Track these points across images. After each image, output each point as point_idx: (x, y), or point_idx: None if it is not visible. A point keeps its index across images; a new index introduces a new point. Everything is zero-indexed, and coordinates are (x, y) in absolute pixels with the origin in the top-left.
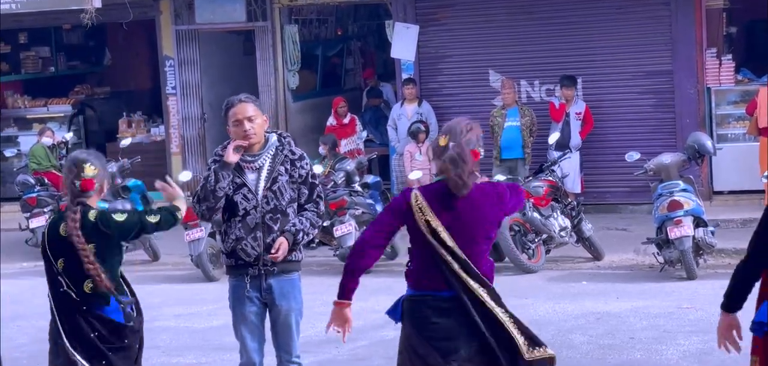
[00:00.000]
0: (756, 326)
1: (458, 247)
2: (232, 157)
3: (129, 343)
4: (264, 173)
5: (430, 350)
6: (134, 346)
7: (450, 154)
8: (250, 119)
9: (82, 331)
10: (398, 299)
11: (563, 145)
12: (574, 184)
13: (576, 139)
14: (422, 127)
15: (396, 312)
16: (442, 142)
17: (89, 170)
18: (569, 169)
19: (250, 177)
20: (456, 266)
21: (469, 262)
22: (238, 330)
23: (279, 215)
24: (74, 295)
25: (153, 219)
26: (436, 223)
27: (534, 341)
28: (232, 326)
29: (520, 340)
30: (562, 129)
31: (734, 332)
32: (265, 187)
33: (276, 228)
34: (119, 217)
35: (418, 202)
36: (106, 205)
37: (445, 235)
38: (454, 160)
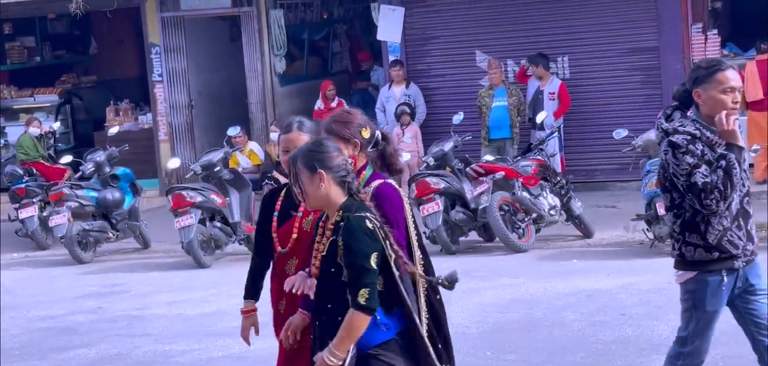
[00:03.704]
0: None
1: None
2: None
3: None
4: None
5: None
6: None
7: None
8: None
9: None
10: None
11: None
12: (554, 164)
13: (550, 119)
14: (407, 110)
15: None
16: (367, 133)
17: None
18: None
19: None
20: None
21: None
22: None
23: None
24: None
25: None
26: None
27: None
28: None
29: None
30: (535, 107)
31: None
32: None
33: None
34: None
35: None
36: (94, 194)
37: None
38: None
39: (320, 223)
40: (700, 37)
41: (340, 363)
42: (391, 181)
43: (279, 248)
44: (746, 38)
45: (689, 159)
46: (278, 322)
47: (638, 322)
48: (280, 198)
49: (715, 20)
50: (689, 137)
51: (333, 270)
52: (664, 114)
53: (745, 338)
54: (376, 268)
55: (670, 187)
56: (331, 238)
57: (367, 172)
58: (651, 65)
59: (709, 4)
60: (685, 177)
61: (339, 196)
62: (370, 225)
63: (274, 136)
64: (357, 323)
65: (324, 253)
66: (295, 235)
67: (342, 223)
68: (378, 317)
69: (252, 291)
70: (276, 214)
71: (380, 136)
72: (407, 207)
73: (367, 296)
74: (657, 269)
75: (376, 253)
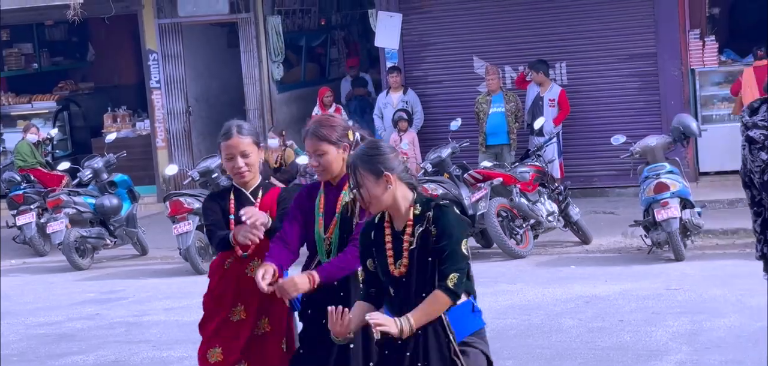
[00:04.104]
0: None
1: None
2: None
3: None
4: None
5: None
6: None
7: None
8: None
9: None
10: None
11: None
12: (553, 169)
13: (549, 126)
14: (404, 116)
15: None
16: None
17: None
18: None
19: None
20: None
21: None
22: None
23: None
24: None
25: None
26: None
27: None
28: None
29: None
30: (534, 113)
31: None
32: None
33: None
34: None
35: None
36: (92, 201)
37: None
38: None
39: (384, 224)
40: (697, 44)
41: (400, 333)
42: None
43: (240, 252)
44: (743, 44)
45: (764, 155)
46: (226, 330)
47: (636, 328)
48: (232, 200)
49: (713, 26)
50: (767, 133)
51: (430, 259)
52: (749, 107)
53: (746, 344)
54: (468, 254)
55: (749, 183)
56: (420, 229)
57: None
58: (649, 71)
59: (706, 10)
60: (759, 174)
61: (407, 193)
62: (458, 213)
63: (272, 142)
64: (440, 303)
65: (413, 247)
66: None
67: (429, 213)
68: (474, 305)
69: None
70: (233, 216)
71: (359, 137)
72: None
73: (455, 281)
74: (655, 275)
75: (466, 240)
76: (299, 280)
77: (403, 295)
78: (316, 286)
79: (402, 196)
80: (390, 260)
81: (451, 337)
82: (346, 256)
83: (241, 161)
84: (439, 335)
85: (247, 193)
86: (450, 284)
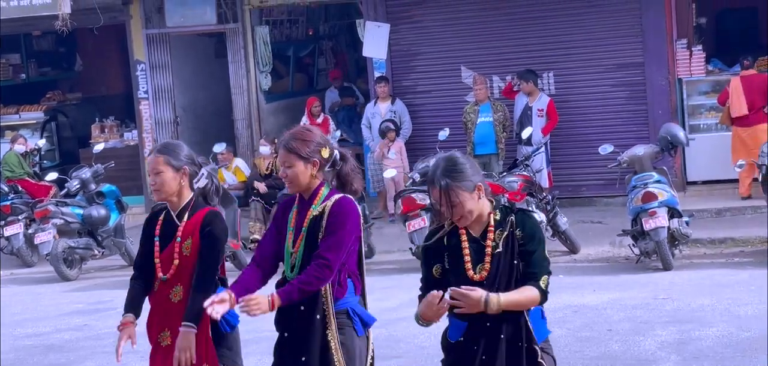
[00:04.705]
0: None
1: None
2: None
3: None
4: None
5: None
6: None
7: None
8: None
9: None
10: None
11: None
12: (541, 179)
13: (538, 136)
14: (391, 126)
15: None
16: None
17: None
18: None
19: None
20: None
21: None
22: None
23: None
24: None
25: None
26: None
27: None
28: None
29: None
30: (522, 122)
31: None
32: None
33: None
34: None
35: None
36: (80, 211)
37: None
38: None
39: (460, 231)
40: (684, 53)
41: (485, 305)
42: (349, 196)
43: (160, 274)
44: (730, 54)
45: None
46: (157, 355)
47: (624, 338)
48: (160, 222)
49: (700, 36)
50: None
51: (515, 262)
52: None
53: (734, 353)
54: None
55: None
56: (504, 234)
57: (324, 191)
58: (636, 81)
59: (693, 20)
60: None
61: (486, 200)
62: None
63: (263, 149)
64: (531, 299)
65: (498, 251)
66: (176, 261)
67: (511, 218)
68: (543, 311)
69: (132, 307)
70: (157, 238)
71: (339, 155)
72: (361, 221)
73: (547, 283)
74: (643, 284)
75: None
76: (261, 300)
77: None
78: (274, 309)
79: (484, 202)
80: (468, 266)
81: (534, 341)
82: (309, 275)
83: (152, 178)
84: (522, 337)
85: (174, 215)
86: (543, 285)
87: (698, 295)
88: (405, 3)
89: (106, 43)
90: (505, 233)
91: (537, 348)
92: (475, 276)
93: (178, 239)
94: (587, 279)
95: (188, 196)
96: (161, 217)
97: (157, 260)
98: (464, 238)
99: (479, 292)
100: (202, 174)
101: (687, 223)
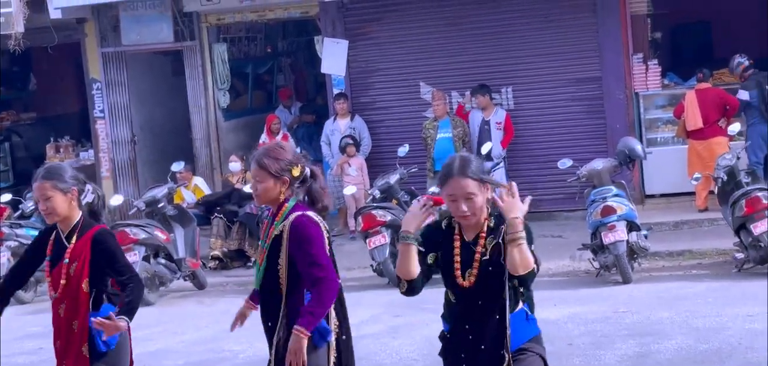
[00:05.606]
0: None
1: None
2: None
3: None
4: None
5: None
6: None
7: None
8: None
9: None
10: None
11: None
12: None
13: (497, 149)
14: (350, 142)
15: None
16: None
17: None
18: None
19: None
20: None
21: None
22: None
23: None
24: None
25: None
26: None
27: None
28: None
29: None
30: (482, 138)
31: None
32: None
33: None
34: None
35: None
36: (35, 233)
37: None
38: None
39: (455, 235)
40: (641, 67)
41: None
42: (310, 213)
43: (52, 292)
44: (686, 68)
45: None
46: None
47: (585, 352)
48: (51, 242)
49: (656, 51)
50: None
51: (502, 262)
52: None
53: (692, 365)
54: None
55: None
56: (493, 242)
57: (289, 204)
58: (594, 95)
59: (649, 34)
60: None
61: (485, 206)
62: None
63: (233, 165)
64: (529, 257)
65: (486, 258)
66: (64, 281)
67: (503, 226)
68: (528, 313)
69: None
70: (48, 257)
71: (309, 172)
72: (326, 236)
73: (536, 269)
74: (603, 298)
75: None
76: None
77: (466, 304)
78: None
79: (485, 206)
80: (457, 271)
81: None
82: (319, 301)
83: (42, 204)
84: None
85: (63, 237)
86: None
87: (657, 308)
88: (363, 19)
89: (61, 62)
90: (495, 242)
91: (506, 355)
92: (464, 282)
93: (66, 261)
94: (547, 294)
95: (77, 216)
96: (52, 237)
97: (47, 278)
98: (457, 243)
99: (523, 208)
100: (88, 189)
101: (645, 236)
